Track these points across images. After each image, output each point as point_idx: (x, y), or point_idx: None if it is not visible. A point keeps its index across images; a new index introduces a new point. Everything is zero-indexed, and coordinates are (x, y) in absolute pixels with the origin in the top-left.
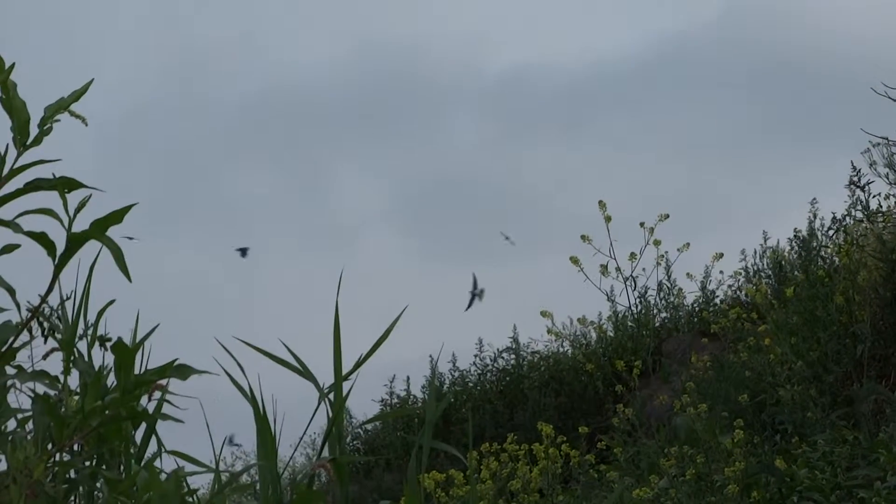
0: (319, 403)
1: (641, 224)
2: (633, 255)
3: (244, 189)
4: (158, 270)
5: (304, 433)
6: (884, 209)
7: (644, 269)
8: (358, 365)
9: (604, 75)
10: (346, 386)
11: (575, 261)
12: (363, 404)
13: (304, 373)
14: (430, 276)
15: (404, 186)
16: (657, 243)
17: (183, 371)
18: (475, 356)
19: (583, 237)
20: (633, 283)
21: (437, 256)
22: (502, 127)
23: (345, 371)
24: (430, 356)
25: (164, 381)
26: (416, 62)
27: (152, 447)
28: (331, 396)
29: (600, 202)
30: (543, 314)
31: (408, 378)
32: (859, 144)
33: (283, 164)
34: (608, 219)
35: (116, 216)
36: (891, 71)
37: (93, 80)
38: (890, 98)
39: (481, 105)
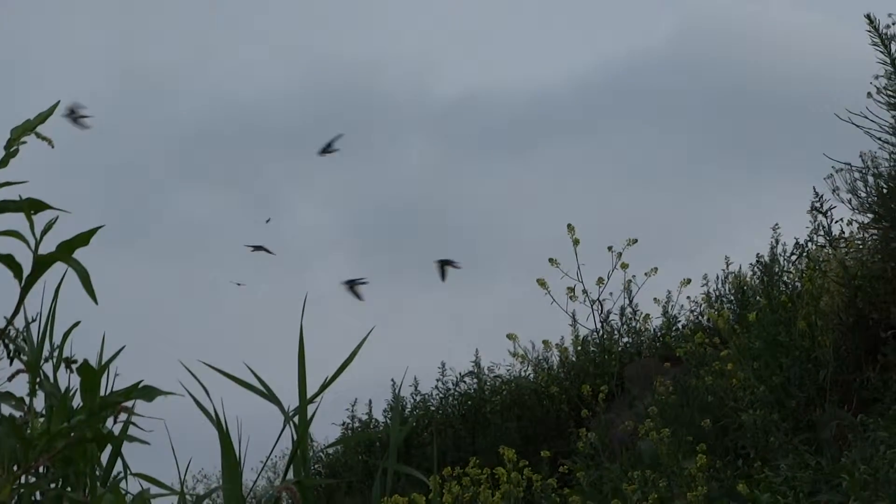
0: (284, 427)
1: (609, 248)
2: (600, 280)
3: (192, 211)
4: (115, 292)
5: (269, 457)
6: (846, 235)
7: (611, 294)
8: (323, 388)
9: (554, 99)
10: (310, 409)
11: (542, 283)
12: (324, 427)
13: (269, 396)
14: (386, 299)
15: (356, 209)
16: (624, 267)
17: (148, 393)
18: (437, 380)
19: (551, 260)
20: (599, 307)
21: (392, 280)
22: (453, 150)
23: (309, 394)
24: (392, 380)
25: (129, 403)
26: (366, 85)
27: (118, 469)
28: (295, 419)
29: (569, 226)
30: (510, 337)
31: (370, 402)
32: (822, 170)
33: (231, 186)
34: (576, 242)
35: (83, 238)
36: (852, 96)
37: (59, 102)
38: (853, 124)
39: (432, 128)
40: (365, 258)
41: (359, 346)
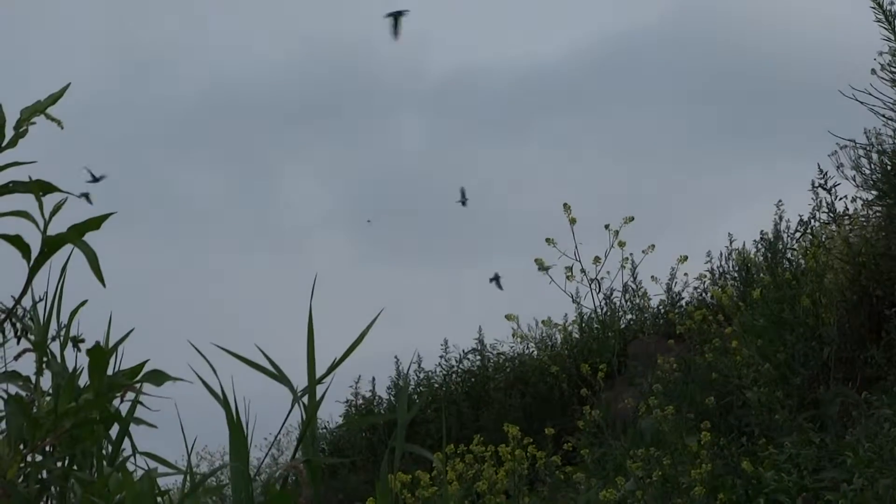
0: (293, 406)
1: (606, 226)
2: (597, 259)
3: (189, 188)
4: (117, 270)
5: (278, 434)
6: (850, 212)
7: (609, 272)
8: (331, 369)
9: (550, 75)
10: (318, 389)
11: (540, 263)
12: (327, 405)
13: (279, 376)
14: (385, 276)
15: (353, 186)
16: (622, 245)
17: (157, 377)
18: (440, 357)
19: (547, 240)
20: (598, 286)
21: (389, 257)
22: (448, 127)
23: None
24: (396, 357)
25: (137, 385)
26: (361, 62)
27: (126, 449)
28: (303, 399)
29: (565, 204)
30: (508, 318)
31: (373, 379)
32: (825, 147)
33: (228, 164)
34: (573, 221)
35: (94, 223)
36: (857, 72)
37: (69, 84)
38: (857, 101)
39: (427, 105)
40: (361, 235)
41: (367, 328)
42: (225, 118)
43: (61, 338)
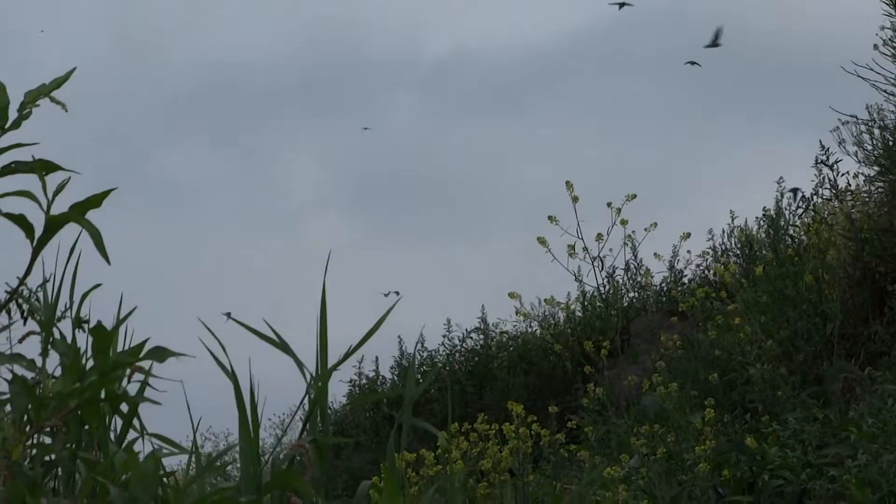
0: (308, 391)
1: (608, 204)
2: (599, 236)
3: (186, 170)
4: (119, 251)
5: (294, 414)
6: (852, 188)
7: (611, 250)
8: (347, 355)
9: (547, 53)
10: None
11: (542, 241)
12: (331, 385)
13: (288, 350)
14: (385, 256)
15: (350, 167)
16: (624, 223)
17: (160, 353)
18: (443, 336)
19: (550, 217)
20: (600, 264)
21: (389, 236)
22: (445, 106)
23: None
24: (399, 337)
25: (143, 364)
26: (357, 43)
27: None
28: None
29: (567, 183)
30: (511, 296)
31: (376, 359)
32: (827, 123)
33: (224, 146)
34: (575, 199)
35: (95, 200)
36: (858, 48)
37: (75, 68)
38: (859, 76)
39: (423, 84)
40: (360, 215)
41: (385, 316)
42: (220, 99)
43: (71, 317)
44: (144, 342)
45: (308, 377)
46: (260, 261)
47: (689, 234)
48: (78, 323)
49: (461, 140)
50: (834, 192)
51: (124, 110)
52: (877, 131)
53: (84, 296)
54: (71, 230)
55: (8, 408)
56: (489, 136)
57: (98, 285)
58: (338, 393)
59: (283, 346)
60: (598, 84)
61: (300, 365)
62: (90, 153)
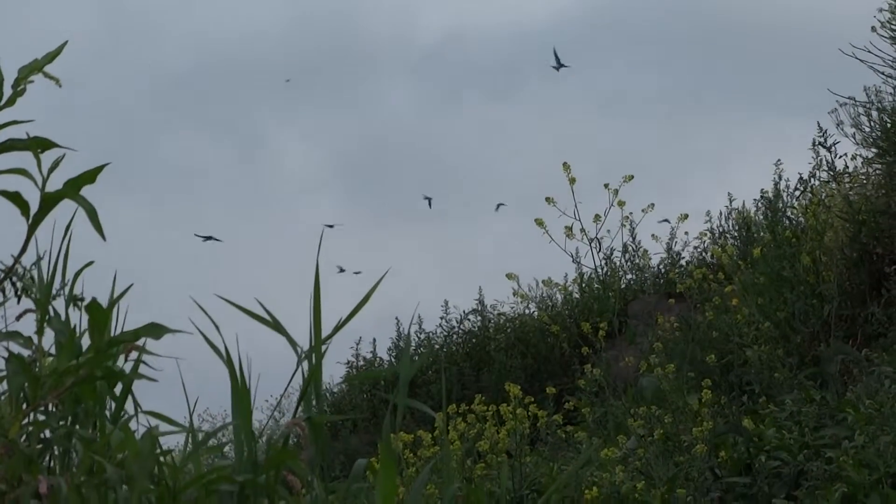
0: (299, 364)
1: (606, 185)
2: (597, 217)
3: (180, 152)
4: (114, 230)
5: (283, 392)
6: (850, 169)
7: (609, 231)
8: (338, 327)
9: (541, 34)
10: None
11: (540, 223)
12: (328, 366)
13: (283, 332)
14: (382, 239)
15: (344, 150)
16: (621, 204)
17: (156, 330)
18: (441, 318)
19: (547, 199)
20: (598, 245)
21: (384, 217)
22: (440, 88)
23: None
24: (397, 318)
25: (140, 342)
26: (350, 26)
27: (129, 408)
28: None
29: (564, 164)
30: (509, 277)
31: (374, 340)
32: (825, 105)
33: (219, 129)
34: (572, 180)
35: (89, 176)
36: (857, 30)
37: (66, 42)
38: (857, 59)
39: (418, 68)
40: (354, 196)
41: (375, 286)
42: (214, 79)
43: (64, 295)
44: (147, 325)
45: (301, 354)
46: (252, 241)
47: (686, 216)
48: (73, 300)
49: (457, 122)
50: (832, 174)
51: (114, 88)
52: (875, 113)
53: (77, 273)
54: (65, 209)
55: (4, 385)
56: (485, 118)
57: (91, 263)
58: (335, 374)
59: (275, 325)
60: (594, 65)
61: (292, 343)
62: (78, 131)
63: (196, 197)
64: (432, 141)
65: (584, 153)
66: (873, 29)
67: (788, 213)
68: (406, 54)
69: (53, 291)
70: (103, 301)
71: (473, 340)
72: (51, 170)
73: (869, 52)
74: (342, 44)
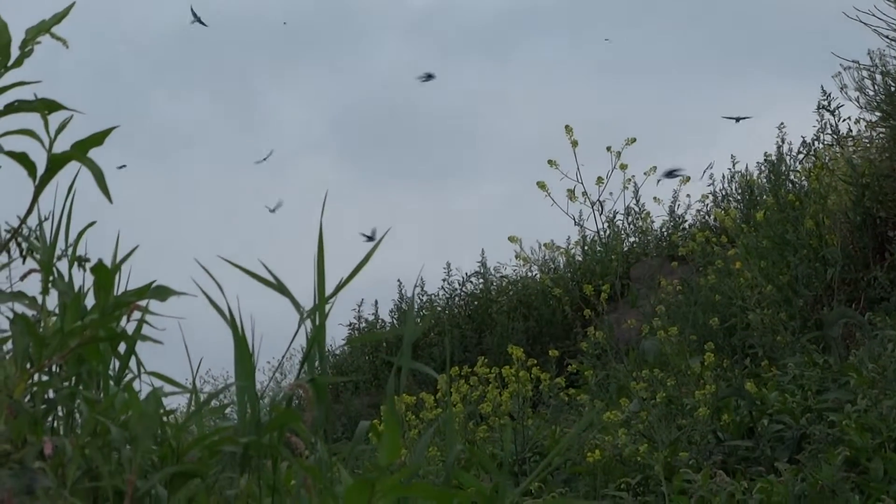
0: (301, 324)
1: (608, 148)
2: (600, 180)
3: (174, 114)
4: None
5: (286, 352)
6: (854, 133)
7: (611, 194)
8: (340, 286)
9: None
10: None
11: (542, 186)
12: (330, 329)
13: (286, 292)
14: (378, 200)
15: (340, 111)
16: (624, 167)
17: (161, 292)
18: (443, 281)
19: (550, 162)
20: (600, 208)
21: (383, 180)
22: (437, 51)
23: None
24: (399, 280)
25: (143, 303)
26: None
27: (131, 368)
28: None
29: (567, 126)
30: (511, 239)
31: (376, 302)
32: (828, 68)
33: (213, 90)
34: (574, 143)
35: (97, 138)
36: None
37: (74, 2)
38: (861, 22)
39: (413, 30)
40: (352, 159)
41: (374, 248)
42: (208, 43)
43: (68, 257)
44: (151, 284)
45: (304, 313)
46: (249, 205)
47: (689, 178)
48: (78, 261)
49: (457, 84)
50: (835, 137)
51: (108, 49)
52: (879, 77)
53: (80, 234)
54: (67, 173)
55: (9, 345)
56: (485, 80)
57: (93, 223)
58: (337, 337)
59: (279, 287)
60: (595, 28)
61: (296, 304)
62: (76, 92)
63: (190, 157)
64: (434, 101)
65: (584, 115)
66: None
67: (792, 177)
68: (402, 13)
69: (58, 252)
70: (108, 262)
71: (476, 303)
72: (58, 131)
73: (873, 15)
74: (336, 5)
